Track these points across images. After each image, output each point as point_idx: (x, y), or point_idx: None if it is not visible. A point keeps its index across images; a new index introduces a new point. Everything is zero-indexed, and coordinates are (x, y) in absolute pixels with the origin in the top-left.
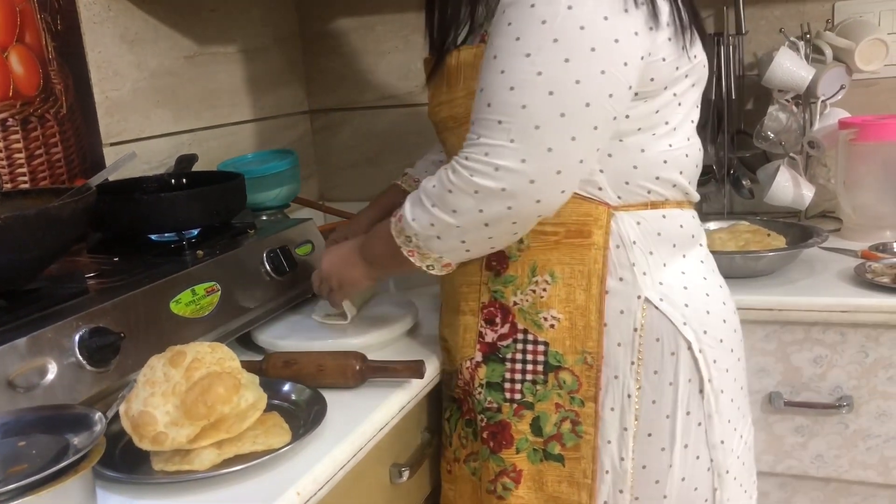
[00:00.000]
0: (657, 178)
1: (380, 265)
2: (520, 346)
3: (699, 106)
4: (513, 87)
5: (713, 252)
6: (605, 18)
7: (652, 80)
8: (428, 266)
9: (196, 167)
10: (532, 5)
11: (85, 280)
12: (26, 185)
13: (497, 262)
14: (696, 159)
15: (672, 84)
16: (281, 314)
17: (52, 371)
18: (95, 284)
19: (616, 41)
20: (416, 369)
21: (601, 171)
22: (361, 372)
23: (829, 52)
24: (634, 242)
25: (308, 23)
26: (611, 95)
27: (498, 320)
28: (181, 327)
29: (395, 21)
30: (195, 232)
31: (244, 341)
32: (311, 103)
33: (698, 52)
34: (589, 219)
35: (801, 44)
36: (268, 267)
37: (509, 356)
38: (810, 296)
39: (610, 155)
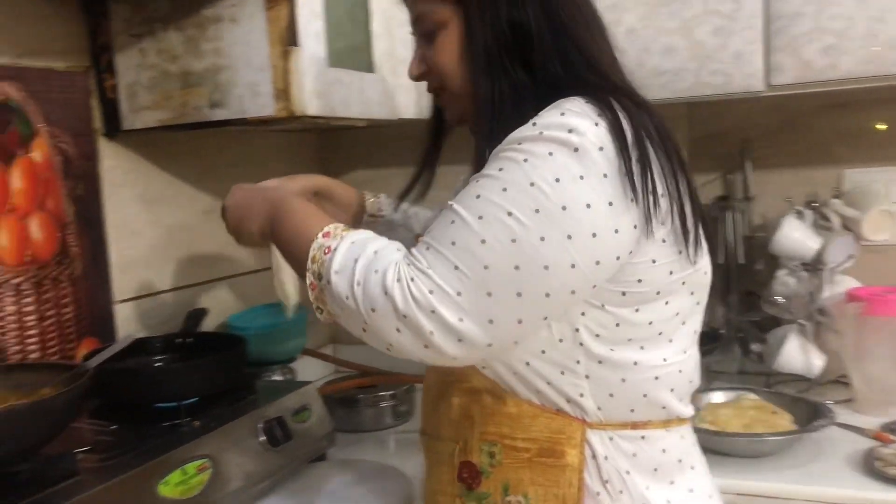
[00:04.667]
0: (644, 395)
1: (279, 244)
2: None
3: (702, 314)
4: (484, 240)
5: (715, 432)
6: (588, 206)
7: (639, 281)
8: (316, 308)
9: (207, 319)
10: (525, 159)
11: (75, 461)
12: (35, 346)
13: (469, 476)
14: (691, 374)
15: (666, 291)
16: (273, 488)
17: None
18: (86, 462)
19: (593, 235)
20: None
21: (587, 375)
22: None
23: (836, 220)
24: (606, 458)
25: (328, 174)
26: (573, 292)
27: None
28: None
29: (409, 174)
30: (194, 399)
31: None
32: None
33: (700, 260)
34: (561, 436)
35: (808, 212)
36: (263, 438)
37: None
38: (816, 485)
39: (600, 363)
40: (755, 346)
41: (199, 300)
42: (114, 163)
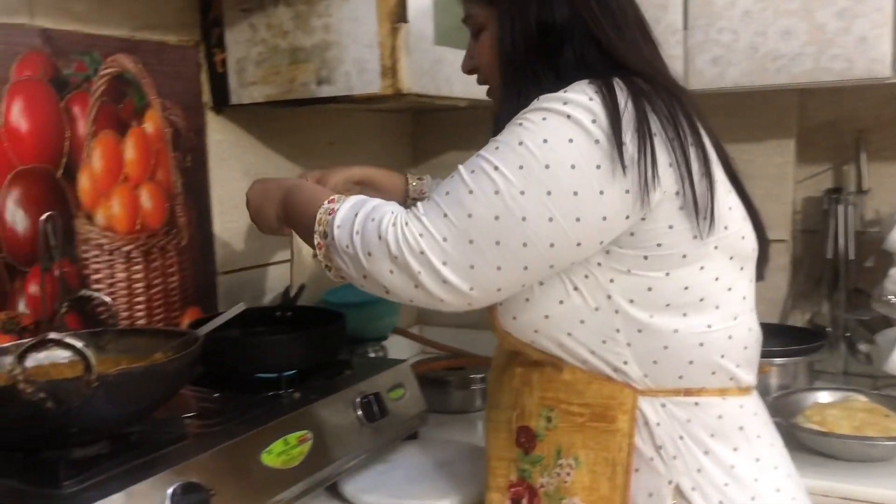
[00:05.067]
0: (690, 362)
1: (292, 220)
2: None
3: (753, 280)
4: (472, 191)
5: (824, 433)
6: (573, 167)
7: (659, 245)
8: (325, 266)
9: (304, 294)
10: (520, 123)
11: (183, 425)
12: (142, 313)
13: (526, 440)
14: (745, 340)
15: (696, 256)
16: (367, 462)
17: None
18: (192, 427)
19: (574, 193)
20: None
21: (628, 344)
22: None
23: None
24: (658, 424)
25: (422, 155)
26: (552, 245)
27: (525, 502)
28: (270, 479)
29: None
30: (293, 371)
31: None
32: None
33: (731, 224)
34: (613, 402)
35: None
36: (360, 413)
37: None
38: None
39: (640, 331)
40: (863, 347)
41: None
42: (220, 137)
